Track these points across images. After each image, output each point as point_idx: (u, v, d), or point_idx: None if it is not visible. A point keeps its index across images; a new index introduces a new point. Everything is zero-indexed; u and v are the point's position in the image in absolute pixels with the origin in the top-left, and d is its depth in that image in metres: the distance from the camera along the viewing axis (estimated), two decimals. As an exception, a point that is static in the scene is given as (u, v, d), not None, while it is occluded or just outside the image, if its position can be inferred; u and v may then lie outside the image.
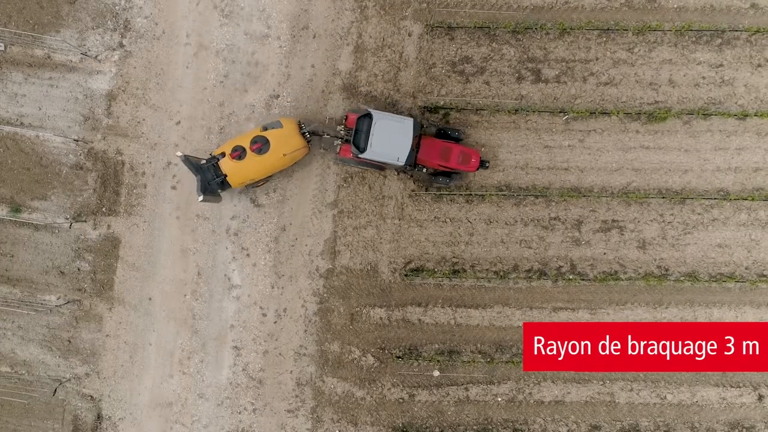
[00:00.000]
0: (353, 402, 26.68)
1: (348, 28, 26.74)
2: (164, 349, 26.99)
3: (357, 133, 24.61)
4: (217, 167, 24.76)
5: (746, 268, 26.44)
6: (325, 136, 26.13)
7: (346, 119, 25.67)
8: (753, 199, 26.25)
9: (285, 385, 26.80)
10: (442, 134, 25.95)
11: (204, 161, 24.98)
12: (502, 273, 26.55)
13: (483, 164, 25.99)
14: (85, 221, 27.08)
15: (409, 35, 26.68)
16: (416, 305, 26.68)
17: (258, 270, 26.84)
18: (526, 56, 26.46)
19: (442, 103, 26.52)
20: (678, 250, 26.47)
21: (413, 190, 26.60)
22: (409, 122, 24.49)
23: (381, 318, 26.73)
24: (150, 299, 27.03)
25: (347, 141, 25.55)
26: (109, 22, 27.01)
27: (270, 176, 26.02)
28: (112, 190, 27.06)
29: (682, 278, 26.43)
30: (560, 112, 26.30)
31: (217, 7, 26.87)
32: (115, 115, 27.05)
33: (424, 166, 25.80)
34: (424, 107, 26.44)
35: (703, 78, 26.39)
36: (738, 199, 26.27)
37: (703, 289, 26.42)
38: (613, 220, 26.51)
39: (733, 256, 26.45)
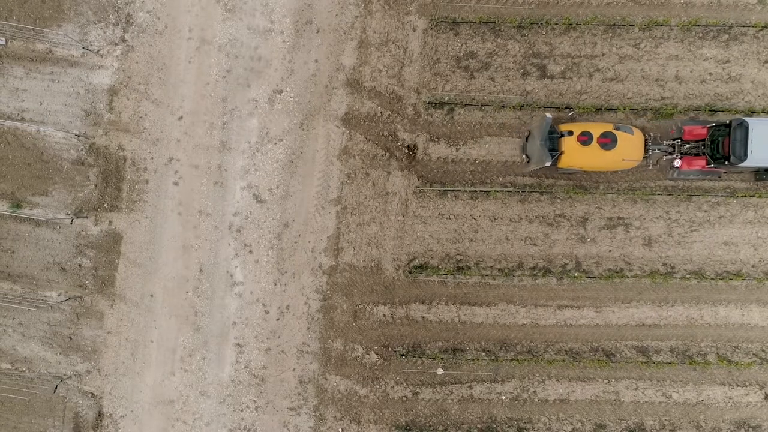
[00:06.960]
0: (356, 400, 26.50)
1: (352, 22, 26.56)
2: (166, 347, 26.81)
3: (734, 142, 24.16)
4: (557, 142, 24.65)
5: (753, 266, 26.23)
6: (656, 151, 25.71)
7: (683, 133, 25.36)
8: (760, 197, 26.03)
9: (287, 383, 26.63)
10: None
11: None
12: (506, 270, 26.36)
13: None
14: (87, 217, 26.91)
15: (414, 30, 26.50)
16: (420, 303, 26.50)
17: (260, 267, 26.65)
18: (531, 52, 26.29)
19: (446, 98, 26.35)
20: (684, 248, 26.28)
21: (417, 187, 26.41)
22: None
23: (384, 315, 26.55)
24: (152, 296, 26.85)
25: (687, 154, 25.40)
26: (110, 16, 26.83)
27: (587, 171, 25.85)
28: (113, 186, 26.88)
29: (688, 276, 26.24)
30: (566, 108, 26.12)
31: (220, 2, 26.69)
32: (116, 111, 26.87)
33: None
34: (429, 103, 26.26)
35: (710, 74, 26.20)
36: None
37: (709, 287, 26.22)
38: (619, 218, 26.32)
39: (740, 254, 26.25)
